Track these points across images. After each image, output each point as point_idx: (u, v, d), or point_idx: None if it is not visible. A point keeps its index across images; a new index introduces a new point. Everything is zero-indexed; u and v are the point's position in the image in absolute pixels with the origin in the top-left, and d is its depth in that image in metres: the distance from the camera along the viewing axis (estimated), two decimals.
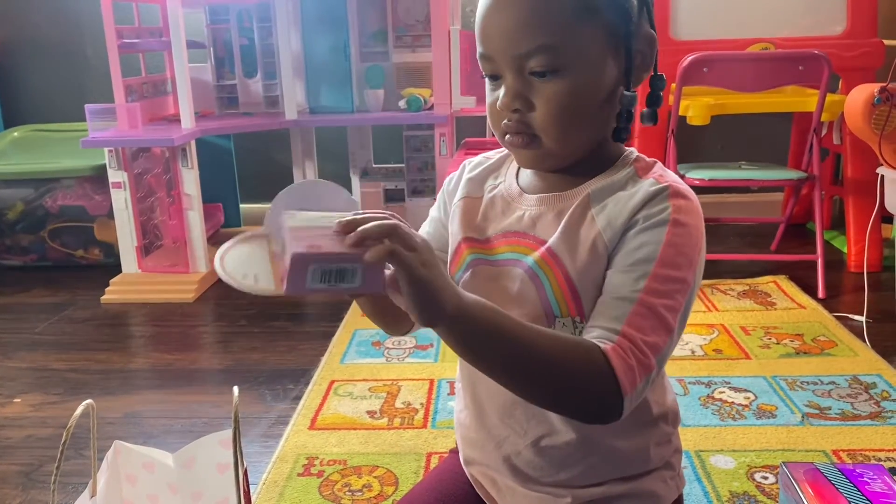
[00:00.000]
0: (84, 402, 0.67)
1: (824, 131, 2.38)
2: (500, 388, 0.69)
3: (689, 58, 2.02)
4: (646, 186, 0.69)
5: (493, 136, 0.75)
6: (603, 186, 0.71)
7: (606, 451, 0.76)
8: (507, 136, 0.71)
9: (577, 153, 0.72)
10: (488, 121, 0.74)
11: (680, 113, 2.13)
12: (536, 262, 0.71)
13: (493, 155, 0.83)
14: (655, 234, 0.67)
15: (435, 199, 0.87)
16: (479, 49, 0.70)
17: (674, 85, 2.07)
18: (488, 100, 0.72)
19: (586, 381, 0.63)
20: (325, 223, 0.58)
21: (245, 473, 0.75)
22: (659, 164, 0.74)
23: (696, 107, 2.11)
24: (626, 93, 0.70)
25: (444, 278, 0.59)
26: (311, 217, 0.59)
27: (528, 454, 0.76)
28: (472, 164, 0.83)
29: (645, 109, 0.74)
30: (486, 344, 0.62)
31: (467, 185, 0.81)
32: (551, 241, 0.71)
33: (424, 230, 0.86)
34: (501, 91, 0.69)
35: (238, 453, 0.68)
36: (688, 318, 0.69)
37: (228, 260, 0.61)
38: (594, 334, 0.65)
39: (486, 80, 0.72)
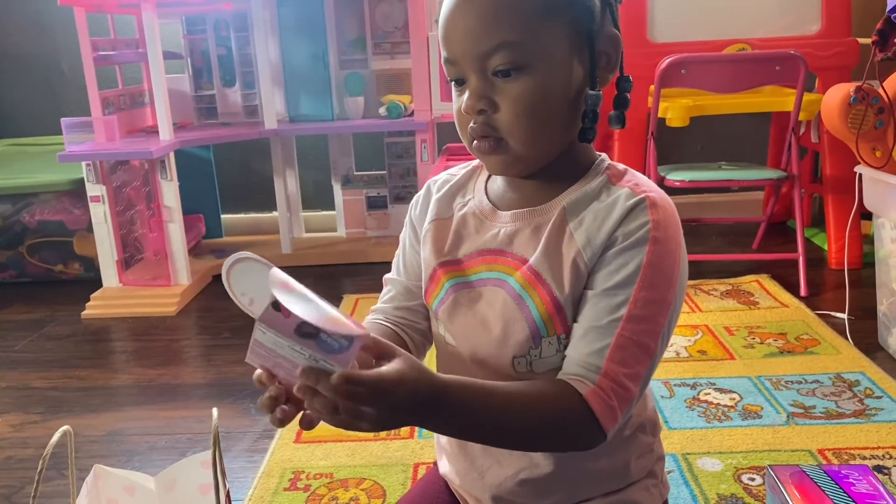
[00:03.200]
0: (61, 429, 0.66)
1: (802, 130, 2.39)
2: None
3: (667, 60, 2.03)
4: (622, 199, 0.68)
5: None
6: (577, 198, 0.70)
7: (588, 474, 0.75)
8: (475, 142, 0.70)
9: (545, 156, 0.70)
10: (457, 129, 0.72)
11: (659, 115, 2.14)
12: (520, 283, 0.70)
13: (458, 171, 0.81)
14: (634, 254, 0.66)
15: None
16: (443, 54, 0.69)
17: (652, 87, 2.08)
18: (454, 106, 0.71)
19: (569, 429, 0.66)
20: (290, 356, 0.57)
21: (227, 495, 0.74)
22: (630, 170, 0.73)
23: (675, 109, 2.12)
24: (590, 92, 0.69)
25: (399, 406, 0.58)
26: (278, 343, 0.58)
27: (510, 484, 0.75)
28: (438, 184, 0.81)
29: (612, 112, 0.72)
30: (465, 429, 0.65)
31: (436, 207, 0.79)
32: (533, 259, 0.70)
33: (397, 263, 0.84)
34: (466, 94, 0.68)
35: (218, 476, 0.67)
36: (672, 332, 0.69)
37: (235, 272, 0.61)
38: (573, 370, 0.66)
39: (453, 86, 0.71)
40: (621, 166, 0.73)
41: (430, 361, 0.75)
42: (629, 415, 0.68)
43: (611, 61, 0.70)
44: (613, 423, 0.64)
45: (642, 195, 0.68)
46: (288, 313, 0.56)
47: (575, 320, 0.68)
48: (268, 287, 0.57)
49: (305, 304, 0.55)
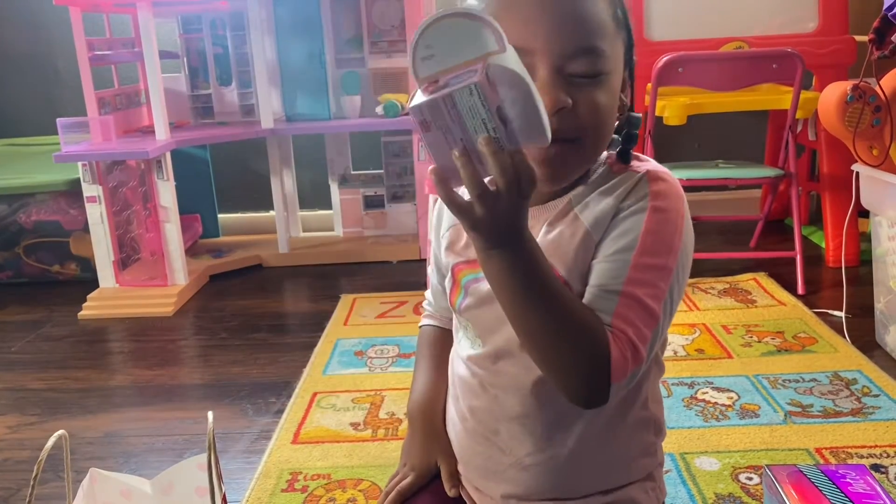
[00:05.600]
0: (56, 433, 0.66)
1: (799, 128, 2.40)
2: (488, 408, 0.74)
3: (664, 58, 2.03)
4: (625, 177, 0.70)
5: None
6: (582, 190, 0.72)
7: (590, 465, 0.76)
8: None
9: (591, 165, 0.72)
10: None
11: (656, 113, 2.14)
12: None
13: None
14: (634, 221, 0.67)
15: (415, 205, 0.88)
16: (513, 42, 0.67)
17: (649, 85, 2.08)
18: None
19: (588, 357, 0.64)
20: (470, 126, 0.56)
21: (224, 498, 0.74)
22: (636, 159, 0.74)
23: (672, 107, 2.11)
24: (633, 115, 0.71)
25: (518, 208, 0.59)
26: (473, 110, 0.55)
27: (513, 472, 0.77)
28: None
29: (621, 147, 0.73)
30: (532, 287, 0.62)
31: (450, 216, 0.80)
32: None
33: (432, 278, 0.90)
34: None
35: (214, 480, 0.66)
36: (677, 303, 0.70)
37: (441, 26, 0.56)
38: None
39: None
40: None
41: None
42: (635, 382, 0.67)
43: (632, 92, 0.73)
44: (622, 376, 0.64)
45: (644, 171, 0.70)
46: (495, 97, 0.54)
47: (582, 294, 0.69)
48: (483, 46, 0.54)
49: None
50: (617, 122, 0.71)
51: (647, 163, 0.72)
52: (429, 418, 0.86)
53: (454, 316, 0.82)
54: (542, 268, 0.63)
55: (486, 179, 0.57)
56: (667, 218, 0.68)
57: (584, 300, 0.67)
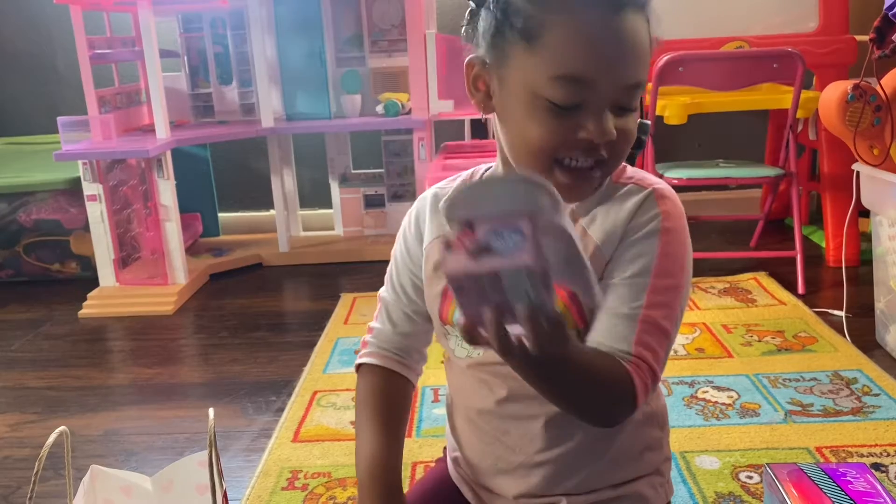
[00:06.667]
0: (57, 430, 0.66)
1: (800, 128, 2.39)
2: (495, 411, 0.74)
3: (665, 58, 2.03)
4: (631, 194, 0.71)
5: (476, 134, 0.73)
6: (586, 201, 0.72)
7: (598, 460, 0.76)
8: (578, 164, 0.67)
9: None
10: (527, 153, 0.68)
11: (657, 113, 2.13)
12: None
13: (446, 185, 0.82)
14: (649, 245, 0.69)
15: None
16: (569, 69, 0.63)
17: (650, 85, 2.08)
18: (552, 130, 0.65)
19: (615, 393, 0.67)
20: (512, 284, 0.51)
21: (224, 495, 0.74)
22: (628, 166, 0.74)
23: (672, 106, 2.11)
24: (644, 122, 0.71)
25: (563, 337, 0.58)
26: (515, 276, 0.51)
27: (523, 471, 0.77)
28: (430, 200, 0.80)
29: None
30: (561, 375, 0.63)
31: (436, 224, 0.79)
32: None
33: (391, 283, 0.84)
34: (586, 120, 0.65)
35: (215, 477, 0.66)
36: (683, 315, 0.72)
37: (487, 189, 0.52)
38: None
39: (552, 104, 0.65)
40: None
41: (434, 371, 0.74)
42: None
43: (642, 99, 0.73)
44: (645, 397, 0.67)
45: (650, 188, 0.71)
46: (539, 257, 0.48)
47: (584, 313, 0.69)
48: (532, 202, 0.49)
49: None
50: None
51: (644, 177, 0.73)
52: (381, 482, 0.78)
53: (444, 327, 0.78)
54: (573, 357, 0.63)
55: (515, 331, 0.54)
56: (677, 238, 0.70)
57: (601, 323, 0.68)
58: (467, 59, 0.71)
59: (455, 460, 0.86)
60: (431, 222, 0.79)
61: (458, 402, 0.82)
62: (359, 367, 0.86)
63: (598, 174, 0.69)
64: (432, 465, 0.91)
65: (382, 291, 0.86)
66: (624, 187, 0.72)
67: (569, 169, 0.67)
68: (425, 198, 0.82)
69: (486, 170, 0.80)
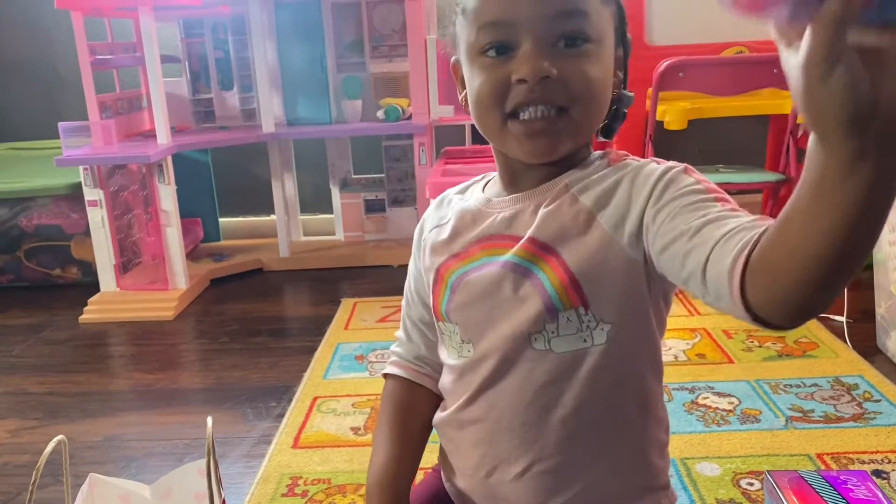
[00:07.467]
0: (55, 439, 0.65)
1: (801, 133, 2.39)
2: (487, 416, 0.71)
3: (665, 63, 2.03)
4: (631, 167, 0.67)
5: (476, 139, 0.73)
6: (579, 175, 0.69)
7: (602, 468, 0.71)
8: (528, 109, 0.64)
9: (583, 139, 0.69)
10: (480, 110, 0.67)
11: (657, 118, 2.13)
12: (522, 256, 0.68)
13: (451, 191, 0.82)
14: (684, 179, 0.63)
15: (416, 209, 0.86)
16: (486, 17, 0.64)
17: (650, 90, 2.08)
18: (488, 78, 0.65)
19: None
20: None
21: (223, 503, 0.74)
22: (630, 155, 0.72)
23: (672, 112, 2.11)
24: (626, 93, 0.69)
25: None
26: None
27: (518, 482, 0.72)
28: (439, 199, 0.82)
29: (604, 122, 0.72)
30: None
31: (434, 217, 0.79)
32: (533, 230, 0.68)
33: (408, 298, 0.84)
34: (516, 62, 0.63)
35: (213, 484, 0.66)
36: None
37: None
38: (738, 241, 0.54)
39: (486, 56, 0.65)
40: (621, 152, 0.73)
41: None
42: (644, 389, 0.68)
43: (626, 69, 0.71)
44: None
45: (667, 164, 0.67)
46: None
47: (596, 293, 0.65)
48: None
49: None
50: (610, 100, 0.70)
51: (643, 159, 0.70)
52: (388, 493, 0.76)
53: (437, 325, 0.77)
54: None
55: None
56: (700, 175, 0.64)
57: (705, 237, 0.56)
58: (451, 62, 0.74)
59: (448, 478, 0.82)
60: (432, 216, 0.79)
61: (450, 407, 0.79)
62: (385, 376, 0.87)
63: (563, 125, 0.65)
64: (429, 471, 0.90)
65: (403, 301, 0.86)
66: (624, 167, 0.68)
67: (523, 122, 0.65)
68: (431, 202, 0.83)
69: (492, 178, 0.80)
